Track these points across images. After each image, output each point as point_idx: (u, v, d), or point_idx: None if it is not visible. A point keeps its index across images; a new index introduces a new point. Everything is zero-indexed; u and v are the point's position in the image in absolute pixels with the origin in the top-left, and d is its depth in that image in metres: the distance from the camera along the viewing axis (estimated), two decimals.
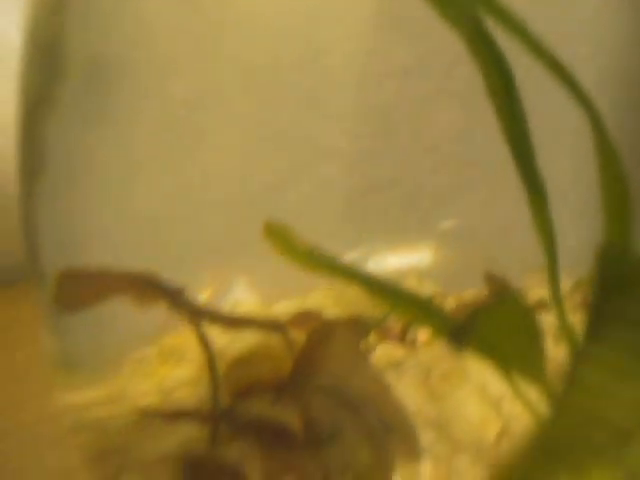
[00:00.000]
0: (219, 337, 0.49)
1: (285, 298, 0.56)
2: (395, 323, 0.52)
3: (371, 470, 0.39)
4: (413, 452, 0.41)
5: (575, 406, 0.15)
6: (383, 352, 0.50)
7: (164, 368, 0.50)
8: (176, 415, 0.42)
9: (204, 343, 0.45)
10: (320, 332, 0.44)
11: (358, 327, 0.50)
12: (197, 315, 0.40)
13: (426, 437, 0.43)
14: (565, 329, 0.36)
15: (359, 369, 0.43)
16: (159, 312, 0.46)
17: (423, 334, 0.51)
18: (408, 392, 0.46)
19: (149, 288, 0.40)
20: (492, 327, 0.25)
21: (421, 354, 0.50)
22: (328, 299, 0.57)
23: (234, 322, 0.42)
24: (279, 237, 0.42)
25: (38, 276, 0.48)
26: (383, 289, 0.40)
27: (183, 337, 0.49)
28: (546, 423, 0.15)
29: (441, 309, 0.39)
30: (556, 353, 0.36)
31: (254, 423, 0.42)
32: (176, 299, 0.41)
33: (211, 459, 0.38)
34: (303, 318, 0.48)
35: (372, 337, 0.50)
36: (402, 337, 0.50)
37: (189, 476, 0.36)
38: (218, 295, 0.47)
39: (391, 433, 0.41)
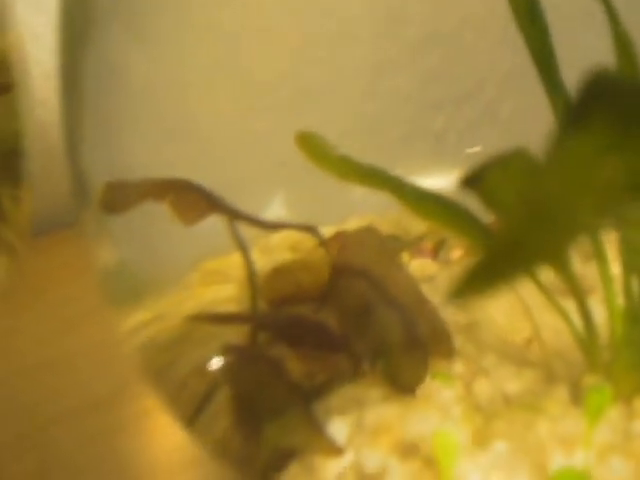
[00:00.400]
0: (259, 259, 0.51)
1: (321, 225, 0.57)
2: (429, 242, 0.53)
3: (406, 364, 0.41)
4: (447, 352, 0.43)
5: (561, 173, 0.16)
6: (417, 267, 0.51)
7: (208, 289, 0.52)
8: (220, 318, 0.44)
9: (242, 250, 0.47)
10: (355, 240, 0.46)
11: (394, 242, 0.52)
12: (234, 216, 0.42)
13: (456, 340, 0.45)
14: None
15: (394, 274, 0.45)
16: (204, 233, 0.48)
17: (456, 252, 0.52)
18: (440, 302, 0.48)
19: (188, 191, 0.42)
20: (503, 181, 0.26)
21: (454, 269, 0.51)
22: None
23: (270, 225, 0.44)
24: (312, 146, 0.44)
25: (86, 206, 0.50)
26: (420, 196, 0.41)
27: (225, 261, 0.51)
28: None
29: (479, 220, 0.40)
30: None
31: (294, 326, 0.44)
32: (213, 202, 0.43)
33: (253, 350, 0.40)
34: (340, 236, 0.49)
35: (406, 254, 0.52)
36: (435, 254, 0.52)
37: (231, 366, 0.39)
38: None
39: (426, 331, 0.43)
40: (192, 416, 0.44)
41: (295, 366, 0.44)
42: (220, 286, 0.52)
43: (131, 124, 0.50)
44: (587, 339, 0.40)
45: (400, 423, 0.38)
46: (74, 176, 0.51)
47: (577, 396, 0.40)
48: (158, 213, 0.45)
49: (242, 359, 0.39)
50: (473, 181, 0.27)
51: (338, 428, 0.39)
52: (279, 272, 0.48)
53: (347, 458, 0.38)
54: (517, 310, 0.45)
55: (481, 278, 0.18)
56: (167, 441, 0.51)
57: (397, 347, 0.42)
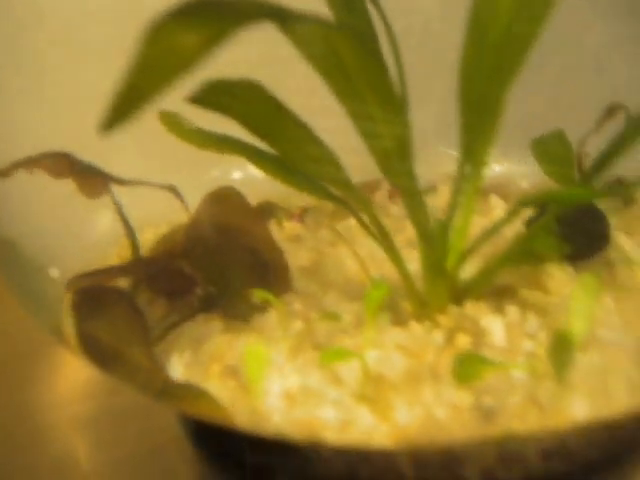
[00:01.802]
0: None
1: None
2: (297, 209, 0.58)
3: (244, 299, 0.46)
4: (285, 288, 0.47)
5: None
6: (288, 228, 0.57)
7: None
8: (98, 273, 0.48)
9: (123, 217, 0.52)
10: (213, 198, 0.51)
11: (267, 205, 0.57)
12: (105, 179, 0.47)
13: (302, 281, 0.49)
14: None
15: (250, 226, 0.50)
16: None
17: (321, 218, 0.58)
18: (302, 255, 0.53)
19: (63, 160, 0.47)
20: None
21: (317, 232, 0.56)
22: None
23: (135, 182, 0.49)
24: (173, 122, 0.49)
25: None
26: (261, 155, 0.45)
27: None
28: None
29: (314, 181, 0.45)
30: None
31: (156, 274, 0.49)
32: (86, 169, 0.48)
33: (96, 291, 0.45)
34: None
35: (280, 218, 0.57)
36: (301, 218, 0.57)
37: (80, 302, 0.43)
38: None
39: (268, 267, 0.48)
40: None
41: (157, 309, 0.48)
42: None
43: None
44: (403, 271, 0.45)
45: (229, 350, 0.42)
46: None
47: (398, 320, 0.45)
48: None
49: (86, 299, 0.43)
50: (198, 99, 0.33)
51: (174, 364, 0.43)
52: (163, 236, 0.53)
53: None
54: (363, 260, 0.50)
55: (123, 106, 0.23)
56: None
57: (239, 285, 0.46)
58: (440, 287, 0.44)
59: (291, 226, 0.56)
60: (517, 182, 0.60)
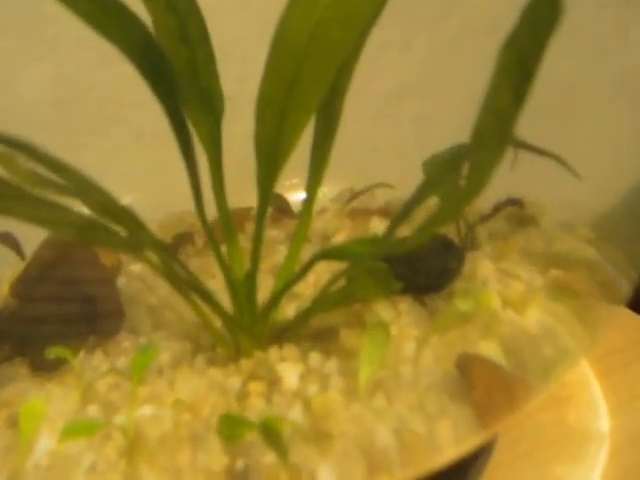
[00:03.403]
0: None
1: None
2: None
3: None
4: (115, 326, 0.45)
5: None
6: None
7: None
8: None
9: None
10: (50, 240, 0.48)
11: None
12: None
13: (145, 319, 0.47)
14: None
15: (87, 265, 0.47)
16: None
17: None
18: (161, 290, 0.50)
19: None
20: None
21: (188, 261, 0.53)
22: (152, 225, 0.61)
23: None
24: (9, 163, 0.47)
25: None
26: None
27: None
28: None
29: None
30: None
31: None
32: None
33: None
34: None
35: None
36: (175, 249, 0.54)
37: None
38: None
39: (97, 310, 0.45)
40: None
41: None
42: None
43: None
44: (202, 317, 0.42)
45: (17, 399, 0.40)
46: None
47: (213, 360, 0.42)
48: None
49: None
50: None
51: None
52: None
53: None
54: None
55: None
56: None
57: (54, 332, 0.44)
58: (250, 330, 0.40)
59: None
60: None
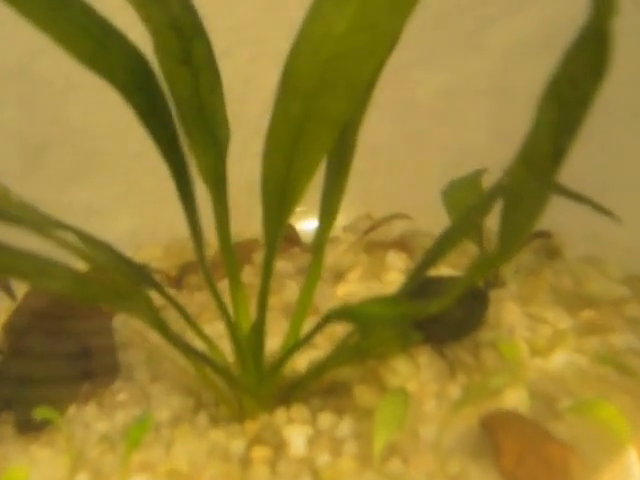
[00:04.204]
0: None
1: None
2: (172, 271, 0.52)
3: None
4: (110, 377, 0.42)
5: None
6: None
7: None
8: None
9: None
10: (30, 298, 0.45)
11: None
12: None
13: (140, 367, 0.43)
14: None
15: (75, 316, 0.44)
16: None
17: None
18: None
19: None
20: None
21: (192, 297, 0.50)
22: (157, 251, 0.58)
23: None
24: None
25: None
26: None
27: None
28: None
29: None
30: None
31: None
32: None
33: None
34: None
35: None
36: (179, 282, 0.51)
37: None
38: None
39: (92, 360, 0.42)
40: None
41: None
42: None
43: None
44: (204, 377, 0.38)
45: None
46: None
47: (215, 418, 0.38)
48: None
49: None
50: None
51: None
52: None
53: None
54: None
55: None
56: None
57: (43, 391, 0.40)
58: (255, 392, 0.37)
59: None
60: (430, 232, 0.51)
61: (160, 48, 0.36)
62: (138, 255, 0.56)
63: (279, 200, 0.34)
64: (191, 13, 0.36)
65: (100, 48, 0.32)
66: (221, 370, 0.36)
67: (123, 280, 0.37)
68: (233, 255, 0.38)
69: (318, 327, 0.33)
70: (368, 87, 0.35)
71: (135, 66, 0.33)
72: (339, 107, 0.33)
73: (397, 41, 0.35)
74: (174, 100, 0.36)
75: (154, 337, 0.45)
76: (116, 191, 0.59)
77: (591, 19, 0.23)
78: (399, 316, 0.31)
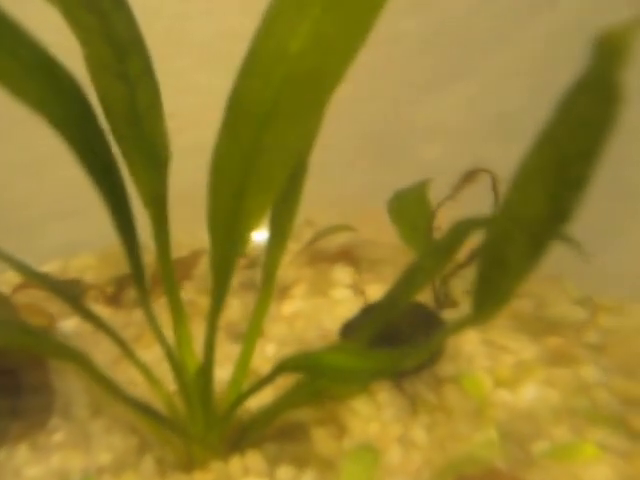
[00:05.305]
0: None
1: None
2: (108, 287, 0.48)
3: None
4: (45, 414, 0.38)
5: None
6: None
7: None
8: None
9: None
10: None
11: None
12: None
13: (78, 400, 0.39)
14: None
15: None
16: None
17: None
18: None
19: None
20: None
21: (130, 316, 0.46)
22: (92, 259, 0.53)
23: None
24: None
25: None
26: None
27: None
28: None
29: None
30: None
31: None
32: None
33: None
34: None
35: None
36: (115, 298, 0.47)
37: None
38: None
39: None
40: None
41: None
42: None
43: None
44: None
45: None
46: None
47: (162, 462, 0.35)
48: None
49: None
50: None
51: None
52: None
53: None
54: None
55: None
56: None
57: None
58: (204, 440, 0.33)
59: (102, 311, 0.45)
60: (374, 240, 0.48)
61: (92, 60, 0.31)
62: (72, 264, 0.52)
63: (227, 238, 0.30)
64: (126, 20, 0.32)
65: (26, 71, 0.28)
66: (165, 421, 0.32)
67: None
68: (176, 291, 0.34)
69: (269, 379, 0.30)
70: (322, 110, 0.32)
71: (63, 88, 0.29)
72: (294, 135, 0.29)
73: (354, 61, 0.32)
74: (108, 118, 0.32)
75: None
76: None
77: (593, 65, 0.20)
78: (366, 370, 0.28)
